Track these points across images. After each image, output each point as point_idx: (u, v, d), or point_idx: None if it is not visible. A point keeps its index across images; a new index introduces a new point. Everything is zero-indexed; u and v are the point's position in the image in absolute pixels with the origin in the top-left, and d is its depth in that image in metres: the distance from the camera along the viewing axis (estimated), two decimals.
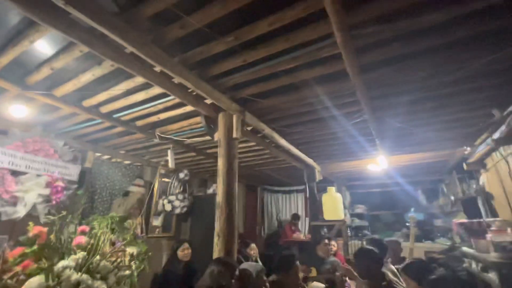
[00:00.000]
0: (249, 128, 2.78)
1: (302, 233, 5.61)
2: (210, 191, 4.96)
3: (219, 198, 2.07)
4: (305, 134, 3.12)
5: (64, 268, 1.50)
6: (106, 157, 3.78)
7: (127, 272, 2.05)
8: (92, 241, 1.80)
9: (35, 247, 1.70)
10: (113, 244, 2.21)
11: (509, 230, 2.21)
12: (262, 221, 6.44)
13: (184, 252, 3.13)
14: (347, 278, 2.95)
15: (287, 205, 6.52)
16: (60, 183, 2.99)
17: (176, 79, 1.89)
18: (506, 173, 2.65)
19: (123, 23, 1.39)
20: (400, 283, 2.08)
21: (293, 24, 1.47)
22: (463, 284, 1.25)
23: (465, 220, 3.16)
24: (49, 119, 2.76)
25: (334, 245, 3.91)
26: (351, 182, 6.14)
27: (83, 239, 1.92)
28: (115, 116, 2.65)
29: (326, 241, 3.55)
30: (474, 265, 2.49)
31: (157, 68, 1.78)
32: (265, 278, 1.73)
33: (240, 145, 3.22)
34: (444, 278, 1.26)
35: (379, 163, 3.90)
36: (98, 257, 1.78)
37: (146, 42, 1.50)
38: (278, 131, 2.93)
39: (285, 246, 4.54)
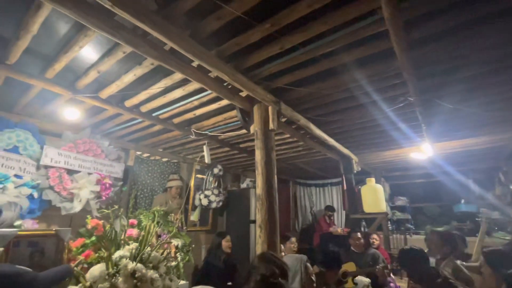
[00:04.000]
0: (283, 120, 2.72)
1: (339, 226, 5.45)
2: (243, 185, 5.02)
3: (259, 190, 2.06)
4: (342, 123, 2.98)
5: (121, 257, 1.60)
6: (145, 155, 3.98)
7: (174, 263, 2.15)
8: (142, 233, 1.90)
9: (93, 238, 1.85)
10: (158, 236, 2.33)
11: None
12: (295, 215, 6.37)
13: (228, 243, 3.23)
14: (390, 272, 2.79)
15: (321, 199, 6.37)
16: (108, 181, 3.22)
17: (213, 73, 1.91)
18: None
19: (162, 19, 1.41)
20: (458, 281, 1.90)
21: (333, 3, 1.38)
22: None
23: None
24: (95, 121, 2.97)
25: (376, 238, 3.73)
26: (390, 173, 5.78)
27: (133, 231, 2.04)
28: (154, 114, 2.76)
29: (359, 234, 3.37)
30: None
31: (195, 63, 1.81)
32: (311, 269, 1.69)
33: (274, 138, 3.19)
34: None
35: (424, 151, 3.61)
36: (148, 248, 1.87)
37: (184, 37, 1.52)
38: (314, 121, 2.83)
39: (325, 238, 4.43)
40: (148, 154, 4.00)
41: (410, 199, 5.75)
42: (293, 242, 3.16)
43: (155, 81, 2.16)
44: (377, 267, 2.76)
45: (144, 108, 2.61)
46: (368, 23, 1.49)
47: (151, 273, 1.69)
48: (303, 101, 2.48)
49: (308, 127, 2.81)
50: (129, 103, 2.50)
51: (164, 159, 4.23)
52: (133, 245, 1.81)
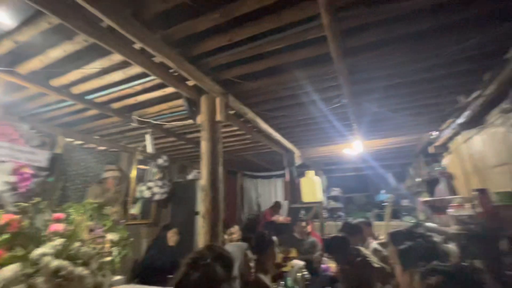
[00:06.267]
0: (232, 112, 2.76)
1: (282, 216, 5.79)
2: (190, 177, 4.91)
3: (203, 181, 2.07)
4: (286, 119, 3.16)
5: (42, 255, 1.43)
6: (78, 142, 3.56)
7: (109, 258, 2.01)
8: (71, 228, 1.73)
9: (6, 235, 1.60)
10: (91, 230, 2.14)
11: (466, 205, 2.47)
12: (242, 206, 6.54)
13: (174, 236, 3.17)
14: (323, 258, 3.18)
15: (266, 190, 6.67)
16: (28, 170, 2.79)
17: (157, 58, 1.81)
18: (466, 155, 2.91)
19: None
20: (375, 260, 2.23)
21: (282, 2, 1.46)
22: (430, 251, 1.40)
23: (429, 198, 3.46)
24: (11, 100, 2.52)
25: (309, 226, 4.12)
26: (327, 167, 6.39)
27: (60, 227, 1.84)
28: (88, 97, 2.48)
29: (303, 223, 3.72)
30: (436, 238, 2.76)
31: (137, 46, 1.69)
32: (250, 256, 1.79)
33: (221, 130, 3.20)
34: (413, 247, 1.40)
35: (354, 148, 4.09)
36: (78, 243, 1.71)
37: (125, 16, 1.41)
38: (261, 115, 2.94)
39: (268, 227, 4.67)
40: (81, 142, 3.58)
41: (343, 190, 6.49)
42: (232, 232, 3.25)
43: (90, 60, 1.93)
44: (315, 255, 3.12)
45: (76, 90, 2.33)
46: (310, 26, 1.62)
47: (80, 270, 1.56)
48: (250, 95, 2.55)
49: (255, 120, 2.90)
50: (56, 82, 2.19)
51: (101, 148, 3.85)
52: (59, 241, 1.63)
